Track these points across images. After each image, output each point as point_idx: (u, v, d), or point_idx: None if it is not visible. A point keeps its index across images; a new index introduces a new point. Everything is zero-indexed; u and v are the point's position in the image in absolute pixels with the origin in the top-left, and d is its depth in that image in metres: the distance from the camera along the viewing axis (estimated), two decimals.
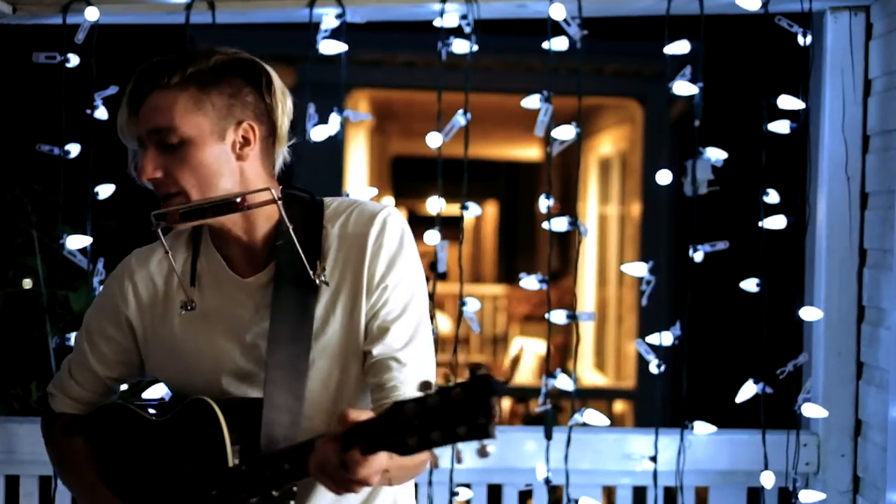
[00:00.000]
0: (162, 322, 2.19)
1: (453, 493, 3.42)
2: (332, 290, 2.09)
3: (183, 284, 2.15)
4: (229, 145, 2.06)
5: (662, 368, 3.42)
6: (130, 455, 2.20)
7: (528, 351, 10.62)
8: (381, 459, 1.71)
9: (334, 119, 3.43)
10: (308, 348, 2.06)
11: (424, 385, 1.61)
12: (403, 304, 2.09)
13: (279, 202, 2.06)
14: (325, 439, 1.78)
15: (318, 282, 2.06)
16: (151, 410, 2.21)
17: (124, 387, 2.46)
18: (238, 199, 2.05)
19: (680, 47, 3.41)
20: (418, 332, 2.10)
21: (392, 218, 2.11)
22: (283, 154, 2.17)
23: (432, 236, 3.40)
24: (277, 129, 2.13)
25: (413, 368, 2.06)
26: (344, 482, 1.76)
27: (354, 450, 1.69)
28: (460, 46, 3.39)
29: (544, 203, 3.42)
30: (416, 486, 2.32)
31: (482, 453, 1.56)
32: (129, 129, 2.10)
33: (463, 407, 1.56)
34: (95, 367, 2.28)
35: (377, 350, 2.07)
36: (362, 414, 1.72)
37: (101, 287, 2.33)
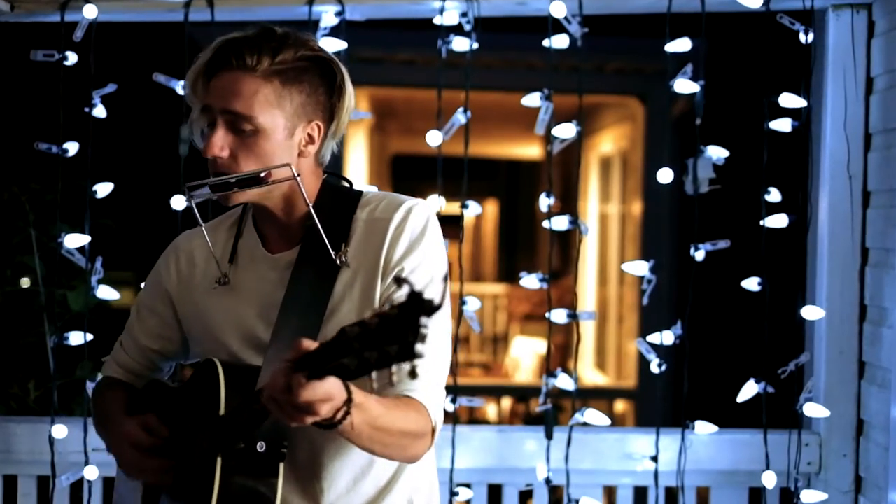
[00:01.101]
0: (196, 295, 2.25)
1: (453, 493, 3.41)
2: (352, 270, 2.12)
3: (219, 260, 2.23)
4: (296, 141, 2.12)
5: (663, 368, 3.41)
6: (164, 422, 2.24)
7: (528, 350, 10.61)
8: (326, 387, 1.72)
9: None
10: (319, 323, 2.09)
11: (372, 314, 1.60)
12: (419, 289, 2.08)
13: (298, 178, 2.09)
14: (277, 367, 1.79)
15: (338, 262, 2.11)
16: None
17: None
18: (262, 174, 2.08)
19: (681, 45, 3.40)
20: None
21: (419, 207, 2.14)
22: (332, 147, 2.21)
23: None
24: (338, 128, 2.17)
25: (427, 352, 2.04)
26: (290, 408, 1.75)
27: (300, 374, 1.70)
28: (460, 44, 3.39)
29: (545, 202, 3.42)
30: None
31: (413, 375, 1.56)
32: (198, 92, 2.12)
33: (396, 326, 1.54)
34: (139, 337, 2.36)
35: None
36: (307, 342, 1.73)
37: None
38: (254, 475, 2.02)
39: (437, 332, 2.08)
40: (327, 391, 1.74)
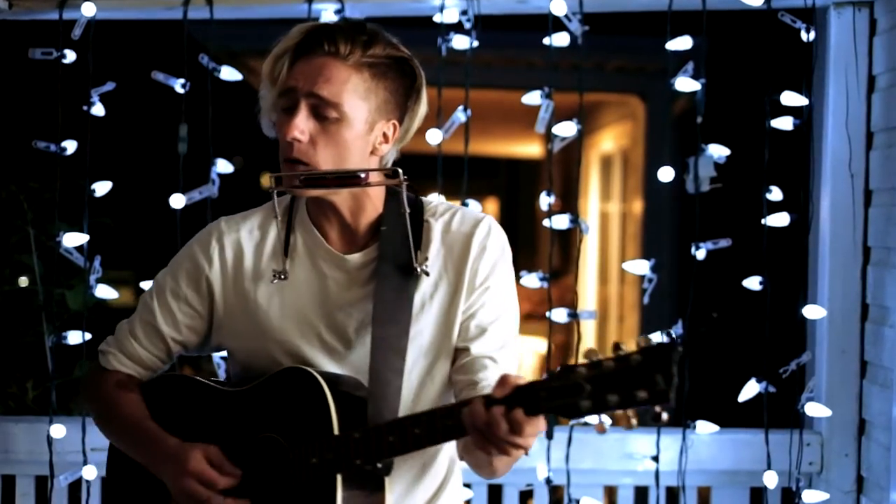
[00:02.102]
0: (246, 288, 2.18)
1: None
2: (431, 282, 2.14)
3: (279, 254, 2.17)
4: (372, 138, 2.11)
5: None
6: (195, 424, 2.17)
7: (528, 350, 10.60)
8: (541, 422, 1.82)
9: None
10: (407, 331, 2.10)
11: (590, 352, 1.74)
12: (501, 307, 2.16)
13: (404, 184, 2.08)
14: (477, 401, 1.85)
15: (419, 270, 2.11)
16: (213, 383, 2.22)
17: None
18: (362, 175, 2.07)
19: (682, 43, 3.40)
20: (511, 337, 2.17)
21: (496, 226, 2.18)
22: (394, 152, 2.20)
23: None
24: (407, 132, 2.17)
25: (506, 371, 2.09)
26: (503, 442, 1.83)
27: (517, 410, 1.79)
28: (460, 42, 3.38)
29: (545, 200, 3.41)
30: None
31: (657, 419, 1.70)
32: (279, 73, 2.08)
33: (642, 372, 1.68)
34: (162, 327, 2.23)
35: (475, 348, 2.13)
36: (519, 378, 1.82)
37: (180, 251, 2.28)
38: (365, 490, 2.04)
39: (514, 343, 2.18)
40: (541, 426, 1.84)
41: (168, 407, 2.22)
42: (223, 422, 2.15)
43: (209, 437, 2.13)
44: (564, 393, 1.75)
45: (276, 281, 2.15)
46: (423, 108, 2.16)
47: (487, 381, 2.10)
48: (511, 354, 2.16)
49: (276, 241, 2.19)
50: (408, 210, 2.10)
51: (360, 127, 2.07)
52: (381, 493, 2.05)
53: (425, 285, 2.14)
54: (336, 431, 2.01)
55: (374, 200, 2.15)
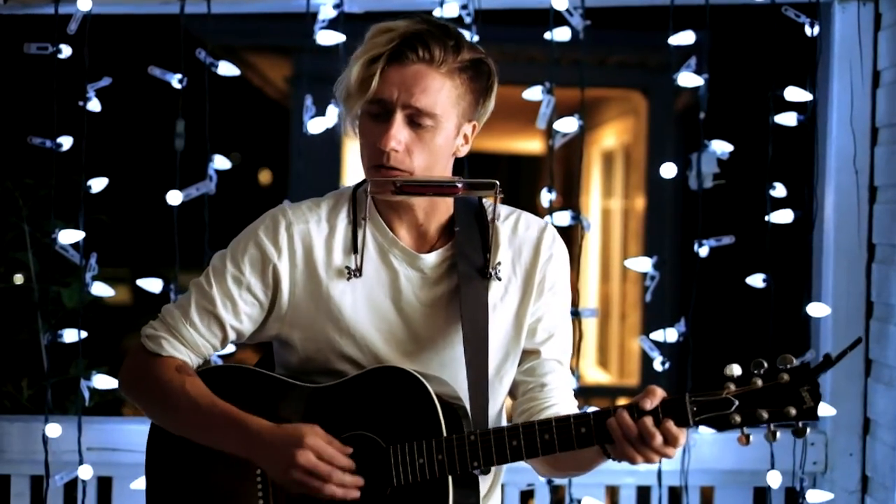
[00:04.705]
0: (317, 281, 2.16)
1: None
2: (502, 284, 2.19)
3: (349, 249, 2.17)
4: (458, 139, 2.14)
5: (667, 366, 3.40)
6: (268, 418, 2.11)
7: None
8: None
9: (332, 111, 3.40)
10: (487, 333, 2.14)
11: (757, 363, 1.92)
12: (566, 312, 2.25)
13: (499, 195, 2.11)
14: (623, 411, 1.95)
15: (492, 273, 2.16)
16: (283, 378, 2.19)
17: None
18: (459, 184, 2.09)
19: (685, 38, 3.39)
20: (570, 341, 2.27)
21: (557, 233, 2.24)
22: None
23: None
24: (477, 130, 2.20)
25: (569, 374, 2.25)
26: (650, 451, 1.94)
27: (668, 422, 1.92)
28: None
29: (546, 197, 3.42)
30: None
31: (800, 434, 1.90)
32: (367, 79, 2.05)
33: (790, 390, 1.89)
34: (221, 314, 2.17)
35: (546, 350, 2.21)
36: (660, 389, 1.96)
37: (241, 235, 2.21)
38: (467, 490, 2.09)
39: (572, 346, 2.29)
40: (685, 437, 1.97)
41: (235, 400, 2.14)
42: (302, 418, 2.11)
43: None
44: (714, 407, 1.91)
45: (348, 277, 2.15)
46: (492, 105, 2.18)
47: (556, 382, 2.19)
48: (570, 356, 2.27)
49: (346, 236, 2.18)
50: (499, 219, 2.18)
51: (451, 132, 2.11)
52: (478, 491, 2.10)
53: (497, 288, 2.18)
54: (444, 433, 2.04)
55: (446, 201, 2.17)
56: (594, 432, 1.98)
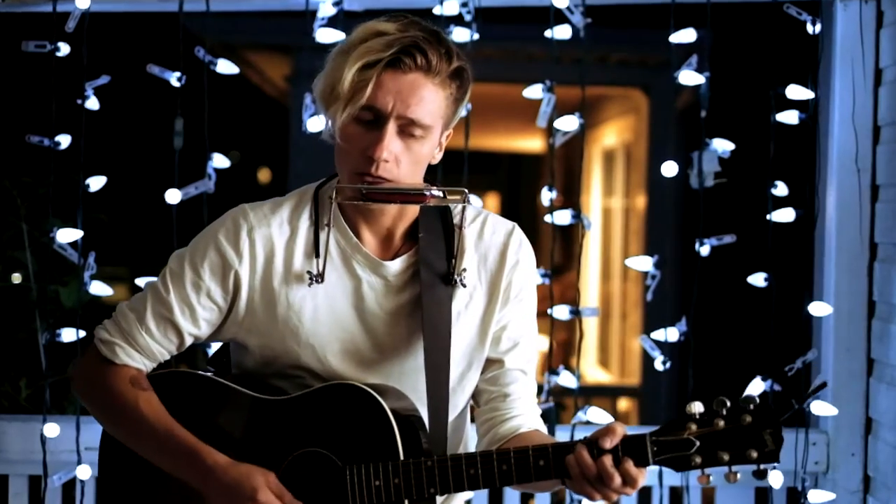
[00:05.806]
0: (276, 287, 2.11)
1: None
2: (467, 291, 2.15)
3: (314, 257, 2.12)
4: (437, 147, 2.11)
5: (668, 365, 3.39)
6: (217, 430, 2.11)
7: None
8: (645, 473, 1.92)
9: None
10: (449, 342, 2.10)
11: (719, 402, 1.89)
12: (532, 320, 2.21)
13: (467, 204, 2.08)
14: (582, 449, 1.91)
15: (457, 280, 2.11)
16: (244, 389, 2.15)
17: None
18: (427, 193, 2.04)
19: (686, 36, 3.38)
20: (535, 349, 2.23)
21: (524, 236, 2.20)
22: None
23: None
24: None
25: (533, 383, 2.20)
26: (608, 491, 1.92)
27: (627, 462, 1.89)
28: (461, 35, 3.36)
29: (547, 196, 3.40)
30: None
31: (762, 476, 1.88)
32: (360, 85, 1.99)
33: (752, 432, 1.86)
34: (179, 321, 2.12)
35: (510, 360, 2.17)
36: (622, 427, 1.92)
37: (200, 238, 2.18)
38: None
39: (536, 355, 2.23)
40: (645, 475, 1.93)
41: (184, 409, 2.13)
42: (254, 431, 2.09)
43: (236, 446, 2.08)
44: (675, 447, 1.88)
45: (309, 283, 2.10)
46: (462, 112, 2.15)
47: (518, 392, 2.16)
48: (535, 366, 2.22)
49: (308, 239, 2.13)
50: (466, 226, 2.13)
51: (436, 141, 2.08)
52: None
53: (461, 295, 2.14)
54: (402, 456, 2.01)
55: (413, 207, 2.12)
56: (552, 466, 1.95)
